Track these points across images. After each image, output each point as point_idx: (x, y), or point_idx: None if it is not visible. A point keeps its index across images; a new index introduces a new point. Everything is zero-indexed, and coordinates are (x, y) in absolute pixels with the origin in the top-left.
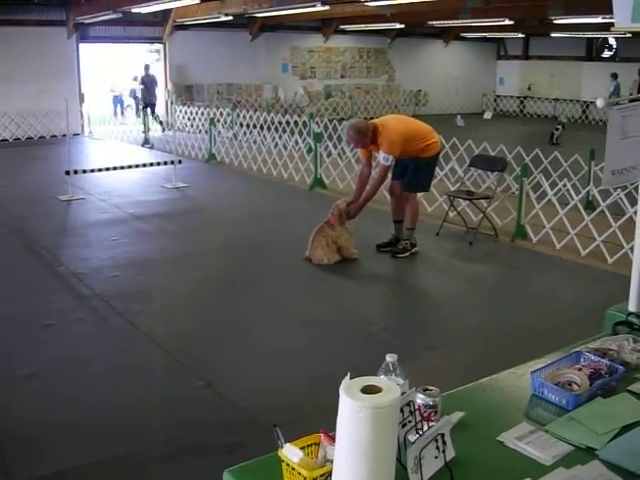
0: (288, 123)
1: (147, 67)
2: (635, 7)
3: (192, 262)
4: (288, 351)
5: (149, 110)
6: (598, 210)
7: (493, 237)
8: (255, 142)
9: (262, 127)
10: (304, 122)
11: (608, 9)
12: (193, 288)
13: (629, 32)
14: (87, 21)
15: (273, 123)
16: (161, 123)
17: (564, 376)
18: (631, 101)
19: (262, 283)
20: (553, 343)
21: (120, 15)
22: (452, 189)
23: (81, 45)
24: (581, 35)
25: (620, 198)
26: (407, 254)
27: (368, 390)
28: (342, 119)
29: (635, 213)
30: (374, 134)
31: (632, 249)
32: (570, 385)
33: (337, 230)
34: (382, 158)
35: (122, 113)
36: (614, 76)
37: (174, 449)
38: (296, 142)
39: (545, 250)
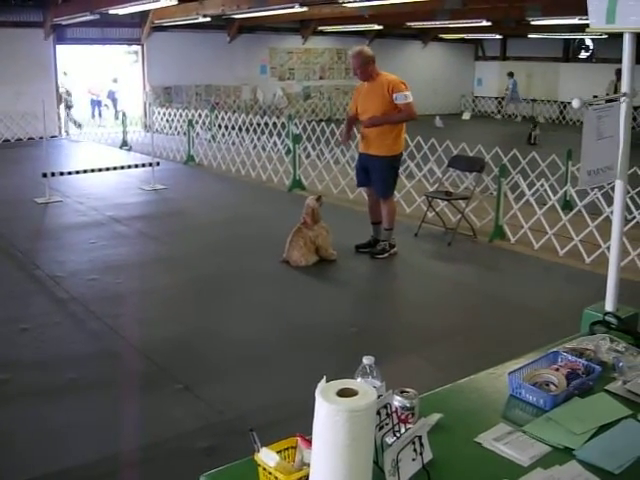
0: (267, 124)
1: (65, 73)
2: (609, 8)
3: (171, 265)
4: (266, 354)
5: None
6: (575, 210)
7: (471, 237)
8: (234, 143)
9: (241, 128)
10: (283, 123)
11: (584, 10)
12: (172, 291)
13: (605, 33)
14: (64, 22)
15: (252, 124)
16: (76, 123)
17: (541, 376)
18: (607, 101)
19: (241, 285)
20: (531, 343)
21: (97, 16)
22: (431, 190)
23: (58, 47)
24: (558, 36)
25: (597, 198)
26: (386, 255)
27: (344, 393)
28: (321, 120)
29: (612, 213)
30: (374, 71)
31: (609, 248)
32: (547, 385)
33: (314, 229)
34: (402, 98)
35: (100, 115)
36: (510, 74)
37: (152, 453)
38: (275, 143)
39: (523, 250)
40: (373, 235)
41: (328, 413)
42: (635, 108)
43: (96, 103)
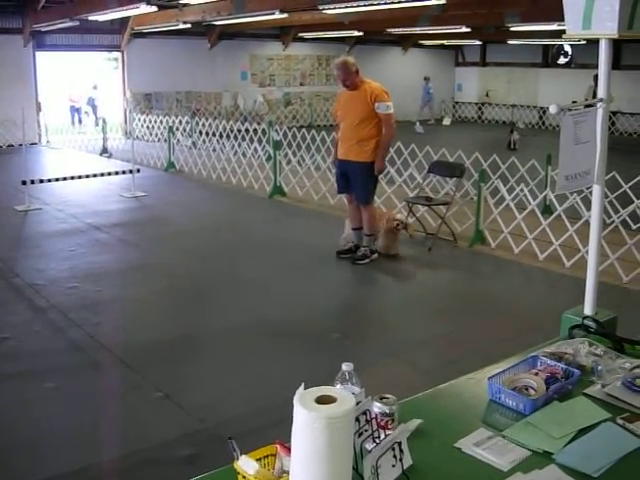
0: (247, 131)
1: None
2: (585, 15)
3: (152, 272)
4: (247, 361)
5: None
6: (555, 214)
7: (452, 242)
8: (214, 150)
9: (221, 135)
10: (263, 130)
11: (562, 16)
12: (153, 299)
13: (583, 39)
14: (44, 29)
15: (232, 131)
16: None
17: (521, 381)
18: (586, 107)
19: (221, 292)
20: (511, 347)
21: (77, 23)
22: (411, 195)
23: (38, 53)
24: (537, 42)
25: (576, 202)
26: (367, 260)
27: (322, 400)
28: (302, 126)
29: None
30: (359, 79)
31: (588, 252)
32: (527, 390)
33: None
34: (384, 108)
35: (80, 122)
36: (427, 79)
37: (132, 462)
38: (255, 150)
39: (504, 254)
40: (354, 241)
41: (306, 420)
42: (614, 113)
43: (75, 110)
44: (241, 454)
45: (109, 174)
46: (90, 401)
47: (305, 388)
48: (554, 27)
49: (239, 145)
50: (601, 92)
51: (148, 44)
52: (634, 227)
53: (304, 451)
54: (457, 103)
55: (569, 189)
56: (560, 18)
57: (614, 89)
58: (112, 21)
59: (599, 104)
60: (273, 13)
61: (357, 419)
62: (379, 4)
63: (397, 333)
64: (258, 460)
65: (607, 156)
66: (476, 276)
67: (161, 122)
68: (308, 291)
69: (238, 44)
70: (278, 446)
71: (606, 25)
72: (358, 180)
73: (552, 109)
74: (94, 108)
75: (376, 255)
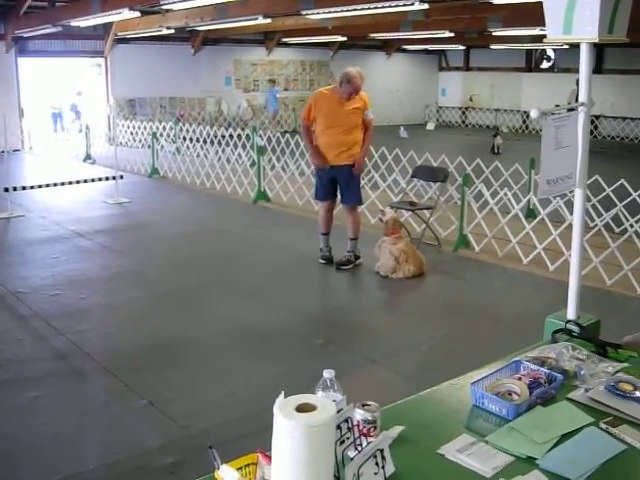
0: (231, 136)
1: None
2: (566, 20)
3: (135, 279)
4: (231, 367)
5: None
6: (539, 218)
7: (436, 247)
8: (198, 156)
9: (205, 141)
10: (247, 135)
11: (544, 21)
12: (136, 306)
13: (566, 43)
14: (26, 35)
15: (216, 136)
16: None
17: (504, 386)
18: (568, 111)
19: (205, 299)
20: (495, 352)
21: (59, 29)
22: (395, 200)
23: (20, 59)
24: (520, 47)
25: (560, 206)
26: (351, 266)
27: (303, 408)
28: (286, 132)
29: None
30: None
31: (571, 256)
32: (510, 395)
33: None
34: (370, 114)
35: (62, 128)
36: (272, 82)
37: (115, 471)
38: (239, 155)
39: (488, 259)
40: (328, 245)
41: (286, 429)
42: (596, 117)
43: (58, 116)
44: (222, 463)
45: (92, 180)
46: (73, 409)
47: (287, 395)
48: (536, 32)
49: (223, 151)
50: (582, 96)
51: (131, 50)
52: (617, 230)
53: (285, 460)
54: (441, 108)
55: (551, 193)
56: (542, 23)
57: (596, 93)
58: (95, 27)
59: (580, 108)
60: (256, 18)
61: (339, 427)
62: (362, 9)
63: (380, 339)
64: (239, 469)
65: (590, 160)
66: (460, 280)
67: (145, 128)
68: (291, 296)
69: (222, 49)
70: (259, 455)
71: (586, 30)
72: (351, 182)
73: (533, 113)
74: (77, 114)
75: (360, 260)
